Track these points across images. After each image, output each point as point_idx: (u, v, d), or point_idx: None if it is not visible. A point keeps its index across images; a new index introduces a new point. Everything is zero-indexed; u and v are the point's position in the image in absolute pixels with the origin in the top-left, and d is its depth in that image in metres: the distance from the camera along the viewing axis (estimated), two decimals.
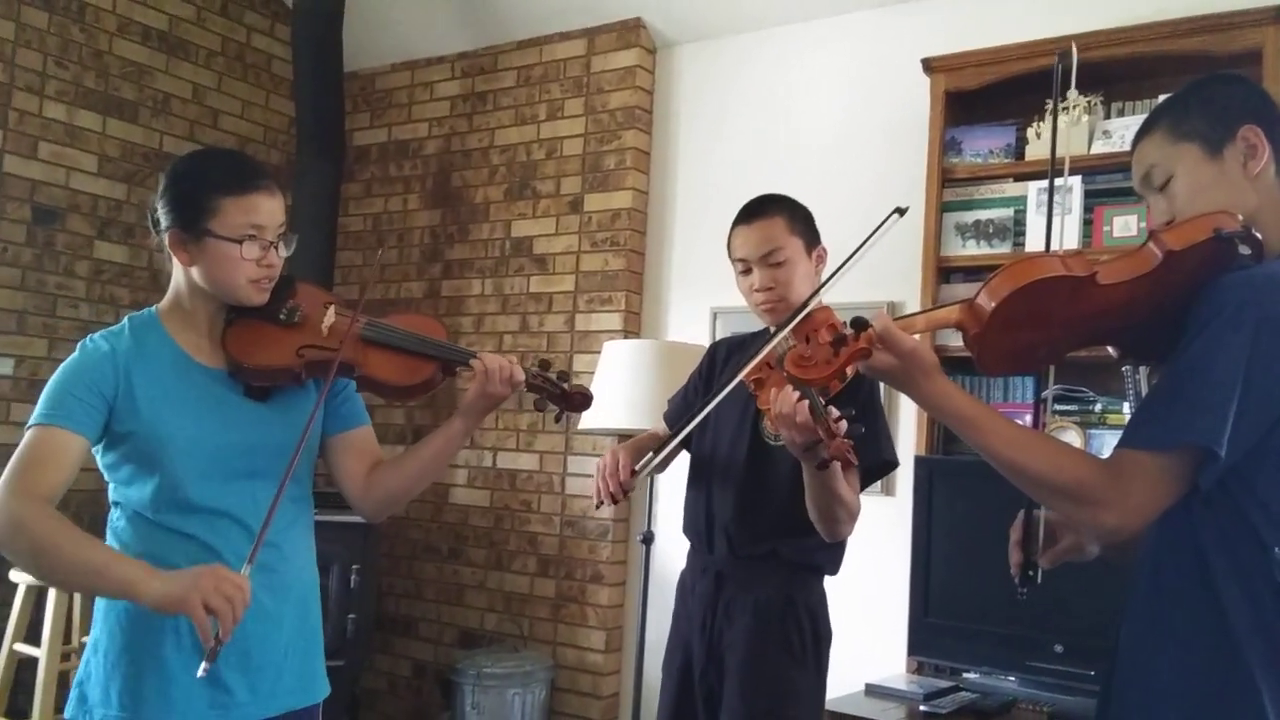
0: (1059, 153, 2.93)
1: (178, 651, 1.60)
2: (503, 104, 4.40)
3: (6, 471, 1.55)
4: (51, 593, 3.27)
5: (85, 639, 3.45)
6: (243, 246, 1.63)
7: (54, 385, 1.61)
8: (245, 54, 4.66)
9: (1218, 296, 1.28)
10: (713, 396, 1.82)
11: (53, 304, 3.97)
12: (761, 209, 2.07)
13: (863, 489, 1.99)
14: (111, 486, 1.69)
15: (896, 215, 1.76)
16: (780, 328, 1.71)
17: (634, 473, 1.90)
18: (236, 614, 1.45)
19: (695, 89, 4.05)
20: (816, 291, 1.74)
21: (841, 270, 1.73)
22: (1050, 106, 3.09)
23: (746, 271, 2.05)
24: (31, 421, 1.58)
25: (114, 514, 1.68)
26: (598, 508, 1.98)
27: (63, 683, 3.37)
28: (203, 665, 1.45)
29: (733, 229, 2.09)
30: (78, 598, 3.46)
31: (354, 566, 3.76)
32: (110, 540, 1.67)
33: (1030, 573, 1.54)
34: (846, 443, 1.46)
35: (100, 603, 1.67)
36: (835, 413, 1.46)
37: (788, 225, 2.03)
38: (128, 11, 4.20)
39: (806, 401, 1.53)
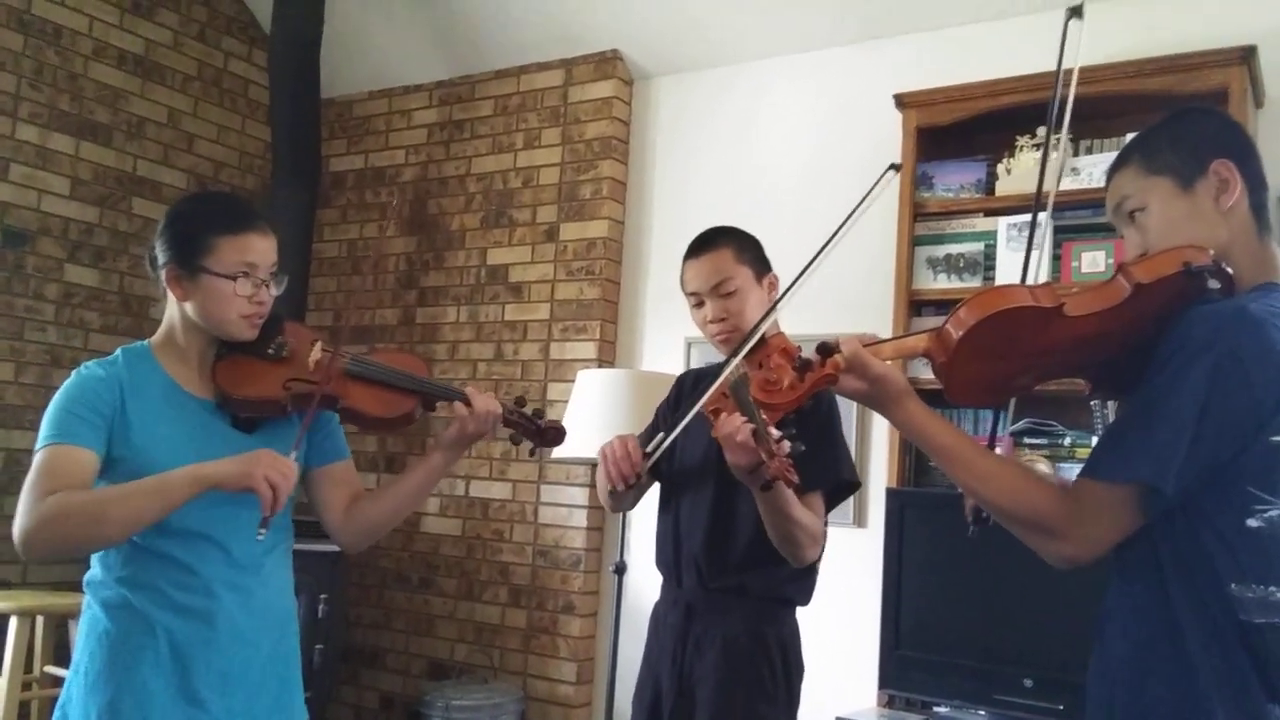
0: (1032, 189, 2.98)
1: (156, 672, 1.64)
2: (480, 133, 4.41)
3: (22, 493, 1.60)
4: (13, 621, 3.22)
5: (47, 668, 3.41)
6: (236, 283, 1.71)
7: (56, 409, 1.66)
8: (222, 79, 4.65)
9: (1183, 330, 1.29)
10: (686, 411, 1.90)
11: (20, 327, 3.92)
12: (709, 241, 2.09)
13: (828, 510, 2.00)
14: None
15: (892, 171, 1.82)
16: (737, 348, 1.75)
17: (646, 455, 1.92)
18: (288, 489, 1.59)
19: (671, 121, 4.08)
20: (801, 274, 1.76)
21: (835, 238, 1.74)
22: (1020, 144, 3.14)
23: (699, 304, 2.07)
24: (39, 445, 1.63)
25: None
26: (610, 493, 1.98)
27: (23, 713, 3.30)
28: (260, 531, 1.59)
29: (683, 264, 2.12)
30: (39, 627, 3.40)
31: (322, 596, 3.72)
32: (95, 563, 1.72)
33: (985, 514, 1.53)
34: (787, 461, 1.46)
35: (82, 625, 1.71)
36: (777, 433, 1.46)
37: (735, 255, 2.05)
38: (104, 35, 4.19)
39: (751, 424, 1.54)
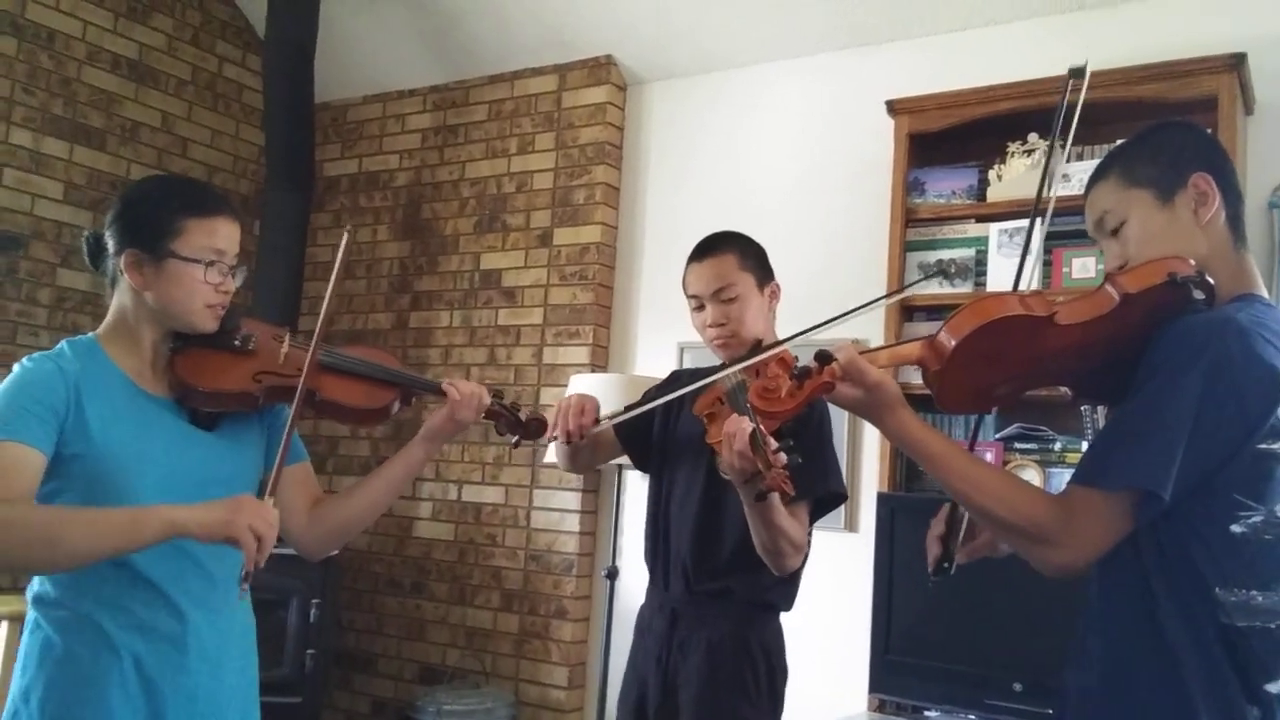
0: (1023, 195, 3.00)
1: (124, 702, 1.53)
2: (474, 137, 4.41)
3: None
4: (3, 626, 3.21)
5: None
6: (205, 269, 1.63)
7: (2, 402, 1.53)
8: (216, 83, 4.66)
9: (1173, 340, 1.30)
10: (683, 386, 1.93)
11: (13, 331, 3.92)
12: (713, 246, 2.09)
13: (813, 521, 2.00)
14: None
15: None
16: (743, 357, 1.77)
17: (597, 421, 1.94)
18: (272, 539, 1.48)
19: (664, 126, 4.09)
20: (773, 346, 1.81)
21: (807, 331, 1.82)
22: (1012, 150, 3.16)
23: (700, 308, 2.08)
24: None
25: None
26: (549, 441, 1.99)
27: None
28: (243, 586, 1.51)
29: (687, 266, 2.12)
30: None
31: (314, 601, 3.72)
32: (46, 580, 1.59)
33: (945, 564, 1.58)
34: (783, 473, 1.45)
35: (33, 650, 1.57)
36: (775, 444, 1.46)
37: (739, 262, 2.06)
38: (98, 40, 4.19)
39: (751, 430, 1.53)
